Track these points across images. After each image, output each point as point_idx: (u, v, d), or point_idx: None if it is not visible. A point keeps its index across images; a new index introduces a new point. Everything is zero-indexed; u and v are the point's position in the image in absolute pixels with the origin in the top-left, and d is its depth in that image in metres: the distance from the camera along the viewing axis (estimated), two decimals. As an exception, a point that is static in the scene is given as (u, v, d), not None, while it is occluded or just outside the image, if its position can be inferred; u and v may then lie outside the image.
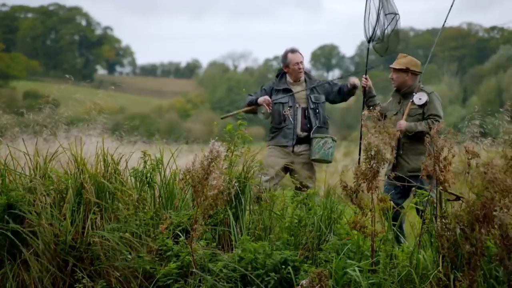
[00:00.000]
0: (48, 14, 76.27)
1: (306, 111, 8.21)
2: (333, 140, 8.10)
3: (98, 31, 78.13)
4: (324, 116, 8.28)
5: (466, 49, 66.83)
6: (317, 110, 8.23)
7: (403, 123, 7.61)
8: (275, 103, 8.20)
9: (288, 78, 8.35)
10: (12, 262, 6.47)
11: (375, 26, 7.89)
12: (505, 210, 5.31)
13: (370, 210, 5.86)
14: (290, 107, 8.20)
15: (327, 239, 6.27)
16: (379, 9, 7.87)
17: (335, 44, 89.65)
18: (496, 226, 5.42)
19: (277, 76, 8.44)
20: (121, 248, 6.38)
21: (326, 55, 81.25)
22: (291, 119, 8.17)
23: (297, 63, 8.28)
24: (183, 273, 6.17)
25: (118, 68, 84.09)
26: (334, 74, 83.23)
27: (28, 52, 68.39)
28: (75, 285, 6.40)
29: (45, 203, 6.63)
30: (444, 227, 5.63)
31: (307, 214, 6.48)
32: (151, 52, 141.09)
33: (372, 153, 5.76)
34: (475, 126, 9.90)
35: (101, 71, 79.99)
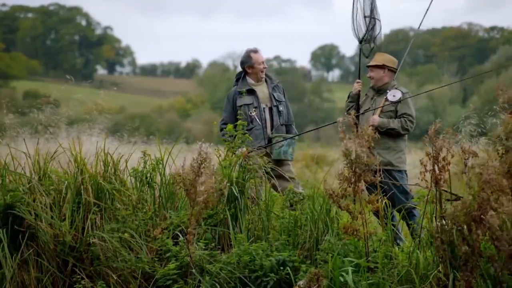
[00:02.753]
0: (48, 14, 76.29)
1: (272, 111, 8.18)
2: (286, 138, 8.02)
3: (98, 31, 78.20)
4: (288, 115, 8.24)
5: (466, 49, 66.86)
6: (280, 108, 8.20)
7: (376, 119, 7.69)
8: (240, 106, 8.14)
9: (250, 80, 8.28)
10: (12, 262, 6.47)
11: (368, 27, 7.94)
12: (500, 208, 5.32)
13: (360, 213, 5.88)
14: (256, 107, 8.13)
15: (325, 239, 6.26)
16: (371, 9, 7.93)
17: (335, 44, 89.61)
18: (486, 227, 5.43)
19: (237, 80, 8.35)
20: (121, 248, 6.38)
21: (326, 55, 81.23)
22: (257, 120, 8.11)
23: (262, 62, 8.26)
24: (182, 273, 6.16)
25: (118, 68, 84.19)
26: (334, 74, 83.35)
27: (28, 52, 68.46)
28: (74, 286, 6.39)
29: (45, 203, 6.63)
30: (441, 227, 5.62)
31: (302, 215, 6.48)
32: (151, 52, 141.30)
33: (352, 157, 5.80)
34: (471, 125, 9.92)
35: (101, 71, 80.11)
